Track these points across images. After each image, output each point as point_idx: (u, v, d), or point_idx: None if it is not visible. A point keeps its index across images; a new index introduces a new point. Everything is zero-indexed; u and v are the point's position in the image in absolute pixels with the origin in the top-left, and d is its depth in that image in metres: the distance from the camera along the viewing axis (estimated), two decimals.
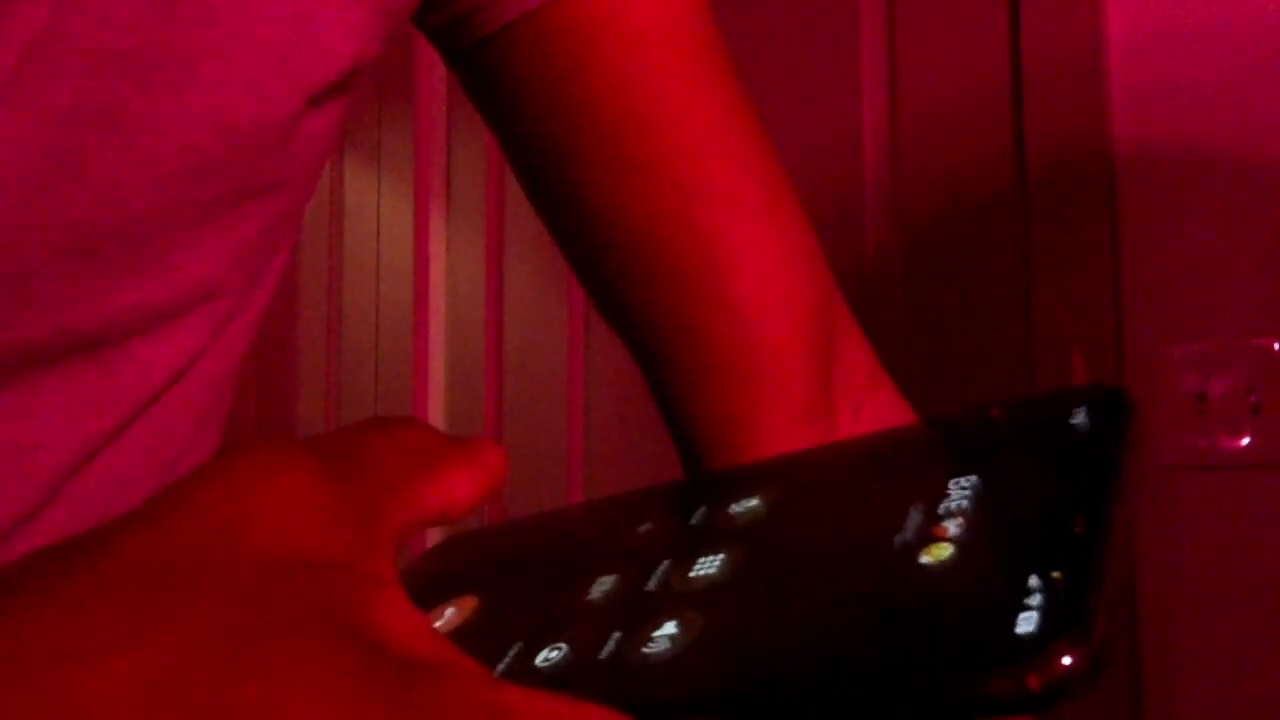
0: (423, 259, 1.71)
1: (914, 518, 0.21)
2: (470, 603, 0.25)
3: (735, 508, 0.25)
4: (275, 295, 0.43)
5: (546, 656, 0.22)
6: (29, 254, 0.32)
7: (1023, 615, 0.18)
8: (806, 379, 0.45)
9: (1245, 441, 1.01)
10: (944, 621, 0.19)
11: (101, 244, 0.33)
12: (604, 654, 0.22)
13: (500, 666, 0.23)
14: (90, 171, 0.32)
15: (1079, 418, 0.22)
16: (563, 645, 0.22)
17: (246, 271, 0.39)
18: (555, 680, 0.22)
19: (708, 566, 0.23)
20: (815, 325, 0.46)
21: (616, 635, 0.22)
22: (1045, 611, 0.18)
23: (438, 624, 0.25)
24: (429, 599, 0.24)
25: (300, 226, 0.43)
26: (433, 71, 1.71)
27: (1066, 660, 0.17)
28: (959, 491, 0.22)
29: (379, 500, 0.23)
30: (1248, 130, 1.02)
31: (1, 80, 0.31)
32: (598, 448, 1.48)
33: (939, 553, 0.20)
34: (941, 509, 0.21)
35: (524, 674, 0.22)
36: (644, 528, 0.26)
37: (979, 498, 0.21)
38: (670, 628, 0.21)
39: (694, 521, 0.25)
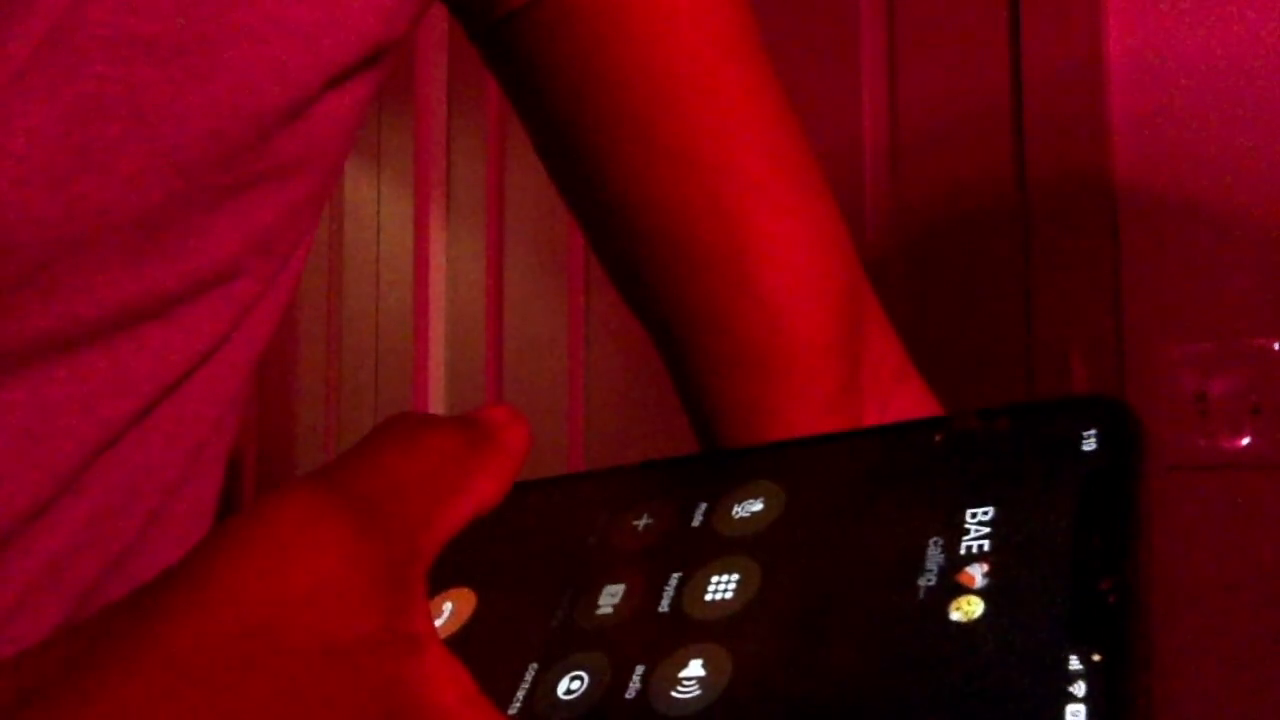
0: (423, 259, 1.71)
1: (934, 555, 0.21)
2: (468, 598, 0.25)
3: (738, 510, 0.24)
4: (295, 287, 0.42)
5: (569, 688, 0.22)
6: (47, 246, 0.32)
7: (1070, 708, 0.17)
8: (832, 371, 0.44)
9: (1245, 441, 1.01)
10: (989, 709, 0.18)
11: (117, 233, 0.33)
12: (630, 693, 0.21)
13: (520, 693, 0.22)
14: (113, 162, 0.32)
15: (1091, 443, 0.22)
16: (583, 674, 0.22)
17: (268, 254, 0.38)
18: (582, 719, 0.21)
19: (722, 590, 0.23)
20: (842, 316, 0.45)
21: (640, 669, 0.22)
22: (1092, 705, 0.17)
23: (438, 622, 0.24)
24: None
25: (320, 215, 0.43)
26: (433, 71, 1.71)
27: None
28: (977, 527, 0.21)
29: (410, 541, 0.23)
30: (1247, 131, 1.02)
31: (20, 69, 0.30)
32: (598, 447, 1.48)
33: (969, 609, 0.20)
34: (963, 549, 0.21)
35: (547, 707, 0.22)
36: (643, 522, 0.25)
37: (999, 539, 0.21)
38: (696, 667, 0.21)
39: (695, 523, 0.25)
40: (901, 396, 0.47)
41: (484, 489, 0.25)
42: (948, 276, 1.16)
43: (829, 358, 0.45)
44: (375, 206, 1.81)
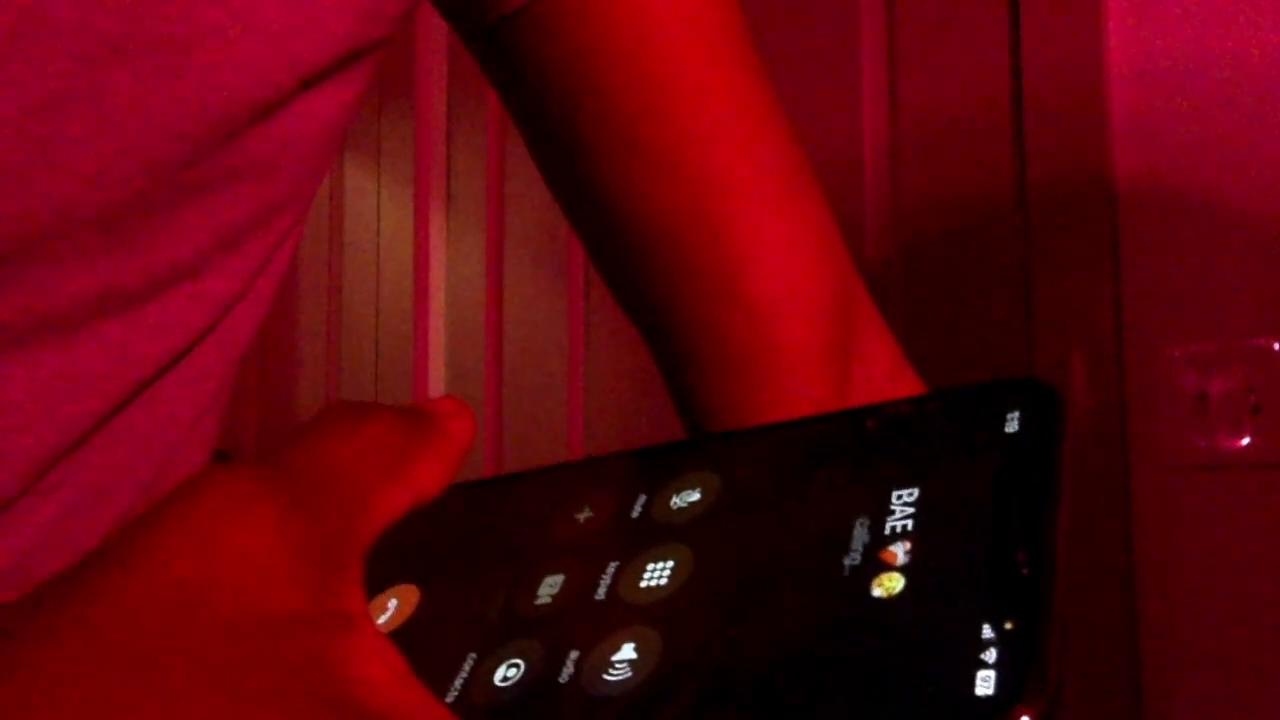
0: (423, 259, 1.71)
1: (860, 535, 0.21)
2: (412, 594, 0.25)
3: (676, 500, 0.25)
4: (278, 291, 0.42)
5: (505, 675, 0.22)
6: (2, 241, 0.31)
7: (980, 674, 0.18)
8: (822, 374, 0.45)
9: (1245, 441, 1.01)
10: (904, 676, 0.19)
11: (77, 228, 0.32)
12: (564, 677, 0.22)
13: (458, 682, 0.23)
14: (74, 160, 0.31)
15: (1014, 424, 0.22)
16: (519, 662, 0.22)
17: (239, 253, 0.38)
18: (517, 705, 0.22)
19: (656, 576, 0.23)
20: (831, 320, 0.45)
21: (574, 654, 0.22)
22: (1002, 670, 0.18)
23: (381, 619, 0.24)
24: (369, 584, 0.23)
25: (306, 217, 0.42)
26: (433, 71, 1.71)
27: None
28: (902, 508, 0.22)
29: (344, 524, 0.22)
30: (1247, 132, 1.02)
31: None
32: (597, 447, 1.48)
33: (890, 585, 0.20)
34: (887, 529, 0.21)
35: (483, 693, 0.22)
36: (584, 515, 0.25)
37: (922, 518, 0.21)
38: (629, 650, 0.21)
39: (635, 514, 0.25)
40: (895, 396, 0.47)
41: (424, 477, 0.25)
42: (948, 278, 1.16)
43: (818, 361, 0.45)
44: (375, 206, 1.81)
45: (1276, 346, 1.00)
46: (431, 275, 1.70)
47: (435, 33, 1.70)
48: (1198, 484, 1.03)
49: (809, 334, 0.45)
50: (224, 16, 0.33)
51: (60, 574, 0.20)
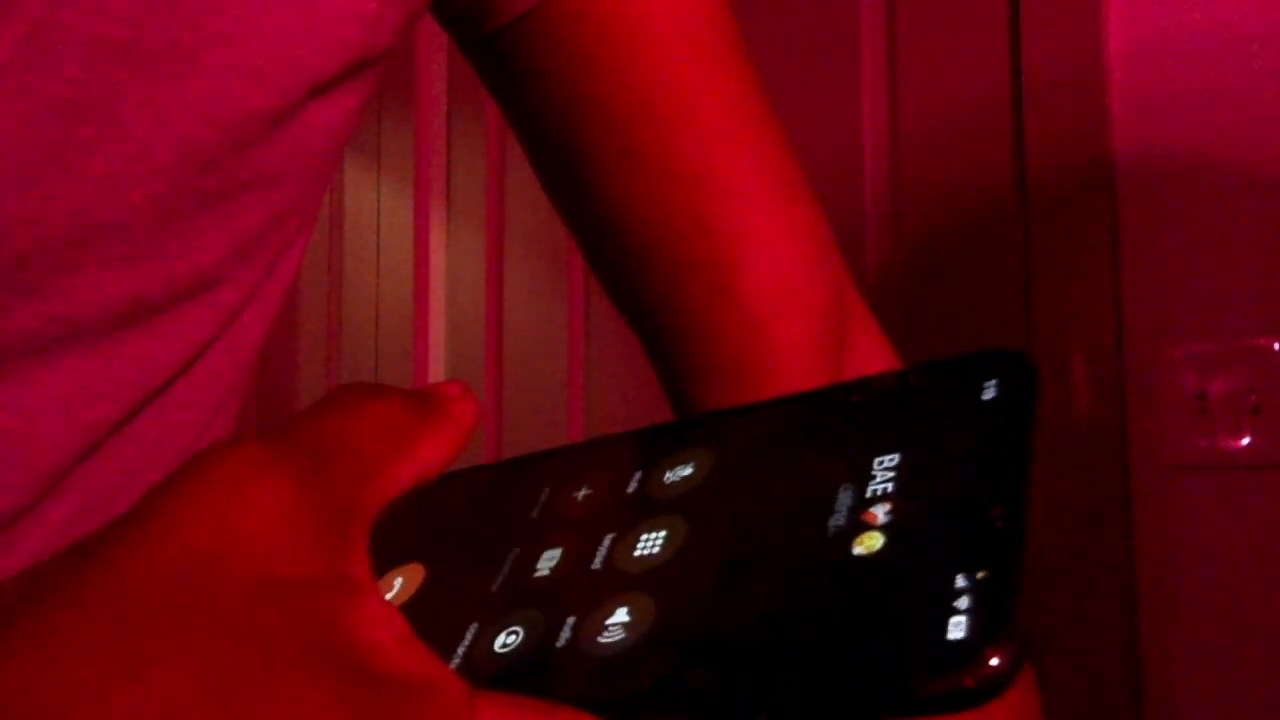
0: (423, 259, 1.71)
1: (844, 500, 0.23)
2: (417, 572, 0.26)
3: (670, 475, 0.26)
4: (286, 295, 0.43)
5: (504, 641, 0.23)
6: (20, 245, 0.32)
7: (953, 620, 0.19)
8: (817, 377, 0.45)
9: (1245, 441, 1.01)
10: (882, 625, 0.20)
11: (96, 235, 0.33)
12: (561, 641, 0.23)
13: (460, 649, 0.23)
14: (86, 164, 0.32)
15: (990, 391, 0.23)
16: (518, 629, 0.23)
17: (252, 262, 0.38)
18: (516, 669, 0.23)
19: (650, 545, 0.24)
20: (825, 321, 0.46)
21: (571, 620, 0.23)
22: (974, 615, 0.19)
23: (388, 596, 0.25)
24: (375, 565, 0.24)
25: (315, 220, 0.43)
26: (433, 71, 1.71)
27: (995, 662, 0.18)
28: (883, 473, 0.23)
29: (352, 495, 0.23)
30: (1247, 131, 1.02)
31: None
32: None
33: (870, 542, 0.21)
34: (869, 492, 0.22)
35: (485, 660, 0.23)
36: (583, 493, 0.26)
37: (902, 481, 0.22)
38: (623, 614, 0.22)
39: (631, 490, 0.26)
40: None
41: (429, 454, 0.26)
42: (948, 277, 1.16)
43: (813, 362, 0.45)
44: (375, 206, 1.81)
45: (1276, 346, 1.00)
46: (431, 275, 1.71)
47: (435, 33, 1.70)
48: (1198, 484, 1.03)
49: (804, 334, 0.45)
50: (230, 25, 0.33)
51: (78, 543, 0.21)
